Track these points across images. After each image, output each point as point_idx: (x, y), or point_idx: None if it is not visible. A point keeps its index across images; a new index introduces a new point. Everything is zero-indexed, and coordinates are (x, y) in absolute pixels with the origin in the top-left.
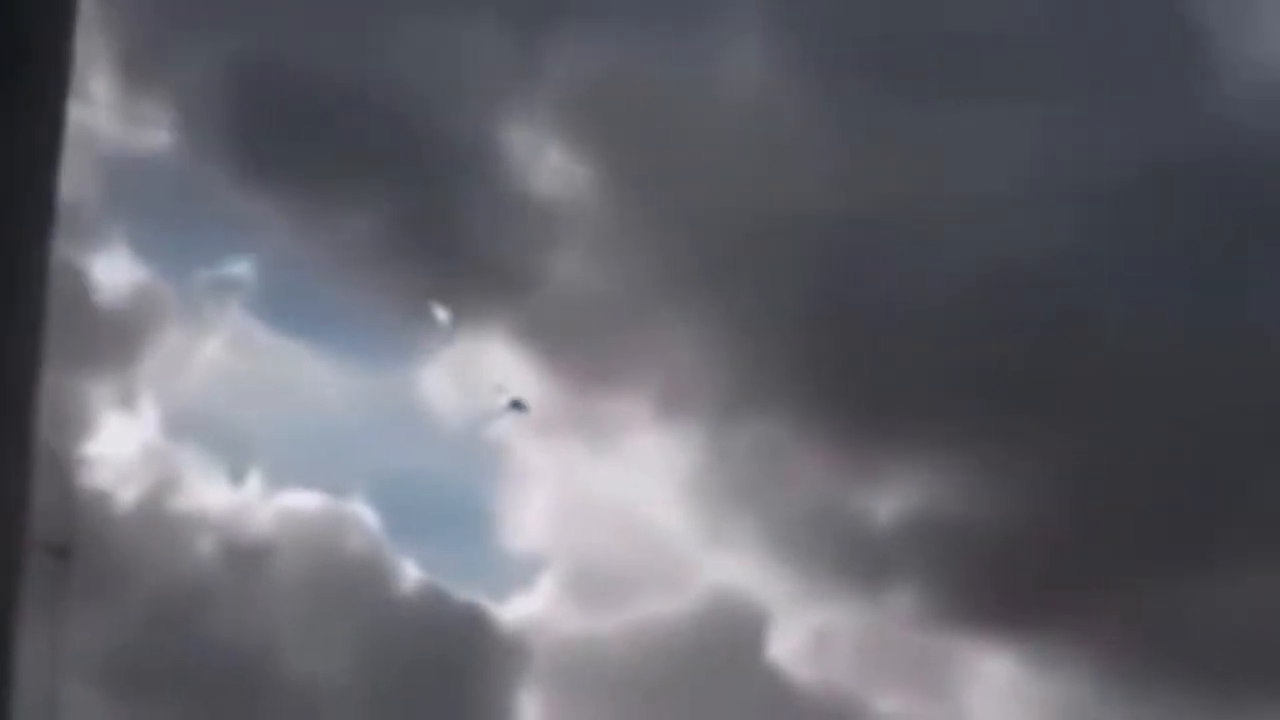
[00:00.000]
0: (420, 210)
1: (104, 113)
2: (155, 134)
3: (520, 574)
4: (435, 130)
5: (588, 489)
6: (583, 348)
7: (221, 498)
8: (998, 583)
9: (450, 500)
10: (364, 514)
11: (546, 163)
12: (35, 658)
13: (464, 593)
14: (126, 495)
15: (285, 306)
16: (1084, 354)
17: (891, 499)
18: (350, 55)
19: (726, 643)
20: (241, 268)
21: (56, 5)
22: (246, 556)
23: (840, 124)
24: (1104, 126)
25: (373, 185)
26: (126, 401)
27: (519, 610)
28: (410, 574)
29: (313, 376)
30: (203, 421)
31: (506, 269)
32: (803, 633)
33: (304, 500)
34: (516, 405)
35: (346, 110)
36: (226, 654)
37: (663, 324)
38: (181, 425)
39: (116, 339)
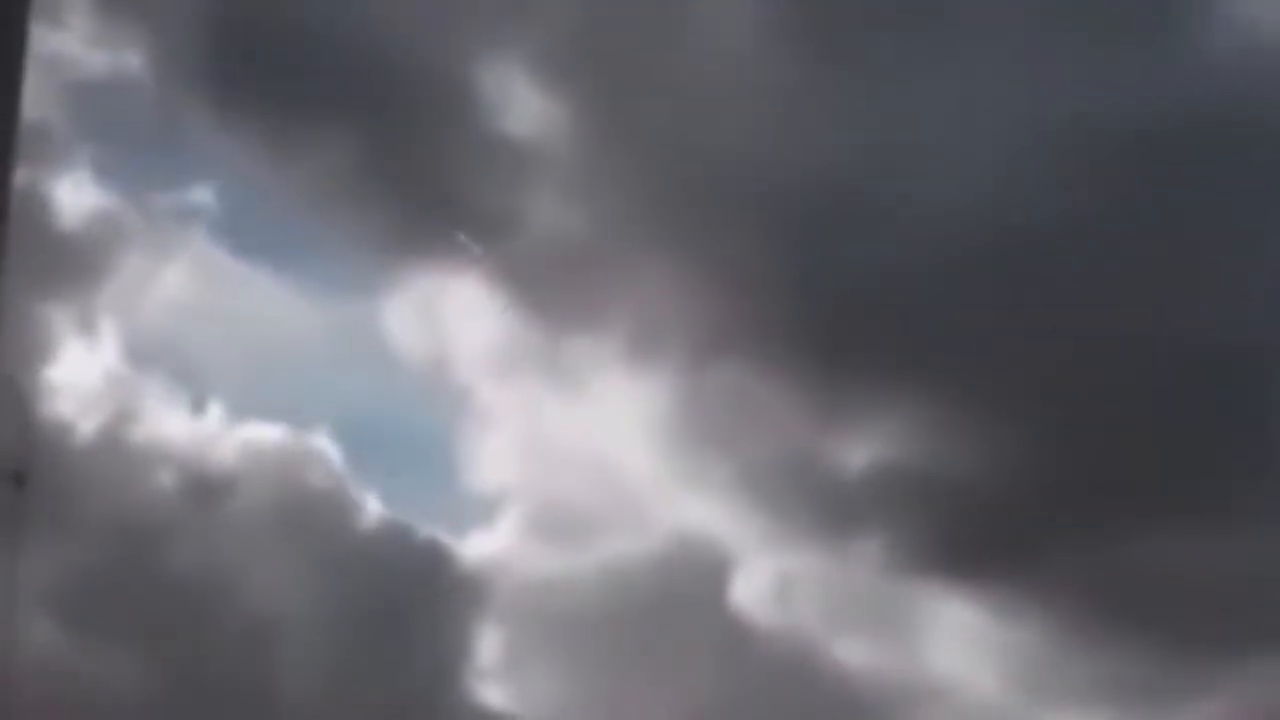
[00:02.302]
0: (391, 146)
1: (75, 37)
2: (125, 59)
3: (483, 511)
4: (410, 66)
5: (554, 428)
6: (553, 288)
7: (182, 428)
8: (964, 533)
9: (415, 436)
10: (327, 448)
11: (522, 103)
12: None
13: (426, 529)
14: (86, 425)
15: (249, 236)
16: (1055, 310)
17: (860, 447)
18: None
19: (689, 585)
20: (205, 195)
21: None
22: (207, 488)
23: (823, 69)
24: (1099, 89)
25: (344, 119)
26: (87, 327)
27: (480, 547)
28: (373, 509)
29: (276, 307)
30: (164, 350)
31: (477, 207)
32: (766, 577)
33: (266, 433)
34: None
35: (320, 42)
36: (186, 585)
37: (635, 266)
38: (142, 353)
39: (78, 263)
